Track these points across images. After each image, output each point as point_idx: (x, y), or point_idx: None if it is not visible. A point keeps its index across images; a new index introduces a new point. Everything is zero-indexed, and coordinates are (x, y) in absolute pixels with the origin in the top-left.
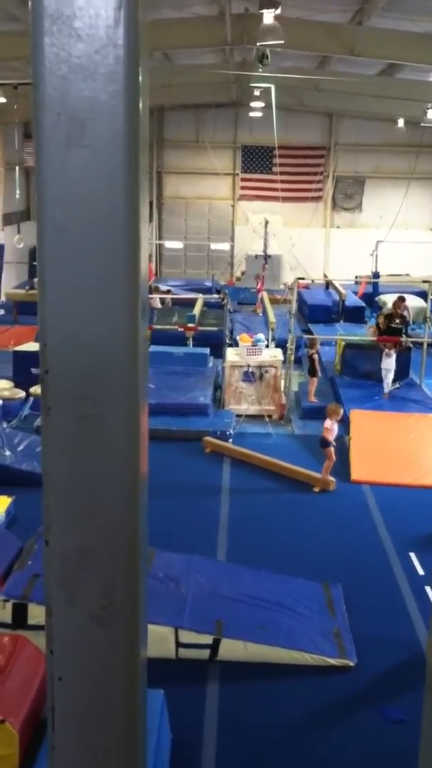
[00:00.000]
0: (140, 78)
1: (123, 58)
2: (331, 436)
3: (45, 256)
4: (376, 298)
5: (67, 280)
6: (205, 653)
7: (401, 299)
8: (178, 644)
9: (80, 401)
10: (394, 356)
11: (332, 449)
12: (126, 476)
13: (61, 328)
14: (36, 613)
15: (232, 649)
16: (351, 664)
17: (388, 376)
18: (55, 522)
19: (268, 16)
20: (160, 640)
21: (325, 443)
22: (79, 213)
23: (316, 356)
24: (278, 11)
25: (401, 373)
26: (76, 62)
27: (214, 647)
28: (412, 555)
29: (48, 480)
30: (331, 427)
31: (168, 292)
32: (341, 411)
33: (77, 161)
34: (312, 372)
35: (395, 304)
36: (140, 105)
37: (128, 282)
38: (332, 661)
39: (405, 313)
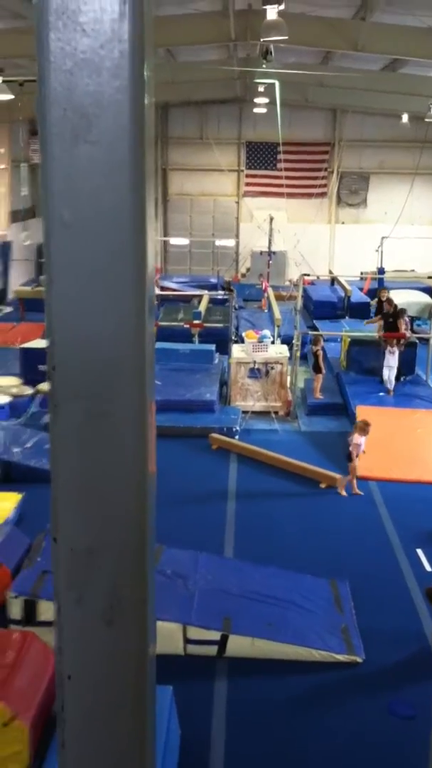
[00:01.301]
0: (146, 72)
1: (128, 53)
2: (357, 451)
3: (52, 253)
4: None
5: (74, 277)
6: (212, 649)
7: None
8: (186, 640)
9: (88, 398)
10: (397, 353)
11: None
12: (134, 474)
13: (68, 324)
14: (45, 610)
15: (240, 645)
16: (359, 660)
17: (392, 373)
18: (63, 520)
19: (272, 12)
20: (168, 636)
21: (351, 458)
22: (85, 209)
23: (320, 353)
24: (281, 7)
25: (407, 369)
26: (81, 57)
27: (222, 643)
28: (419, 551)
29: (56, 477)
30: (359, 443)
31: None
32: (369, 428)
33: (83, 157)
34: (317, 369)
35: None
36: (146, 100)
37: (135, 278)
38: (340, 657)
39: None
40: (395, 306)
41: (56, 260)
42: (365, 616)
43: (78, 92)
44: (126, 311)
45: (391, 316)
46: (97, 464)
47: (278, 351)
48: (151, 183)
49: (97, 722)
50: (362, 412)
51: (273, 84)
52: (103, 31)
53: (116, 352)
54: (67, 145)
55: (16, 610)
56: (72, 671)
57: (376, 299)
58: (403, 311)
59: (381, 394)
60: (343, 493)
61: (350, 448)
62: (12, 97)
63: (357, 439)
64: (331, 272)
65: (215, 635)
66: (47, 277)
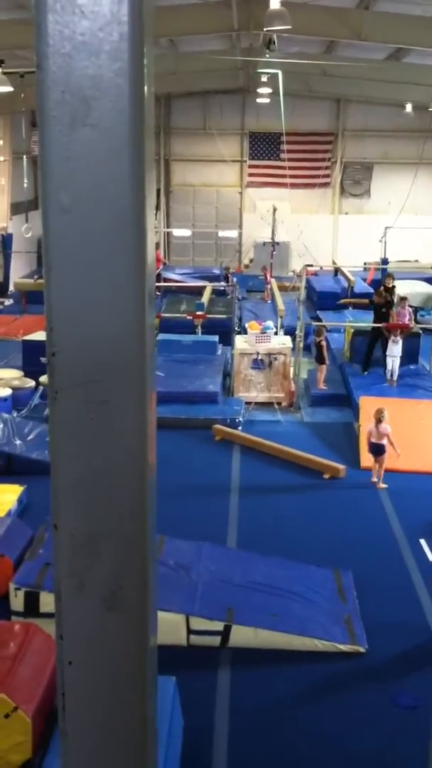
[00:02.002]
0: (145, 55)
1: (127, 35)
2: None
3: (50, 238)
4: None
5: (73, 262)
6: (216, 640)
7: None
8: (190, 631)
9: (87, 385)
10: (400, 343)
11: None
12: (134, 460)
13: (67, 311)
14: (48, 601)
15: (243, 635)
16: (362, 650)
17: (395, 363)
18: (63, 507)
19: (275, 1)
20: (171, 627)
21: (382, 450)
22: (84, 193)
23: (324, 343)
24: None
25: (409, 359)
26: (80, 40)
27: (225, 634)
28: (423, 542)
29: (55, 464)
30: (389, 432)
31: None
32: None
33: (82, 140)
34: (320, 359)
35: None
36: (145, 82)
37: (134, 262)
38: (343, 648)
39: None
40: (386, 297)
41: (55, 246)
42: (368, 606)
43: (76, 75)
44: (126, 297)
45: (384, 306)
46: (97, 451)
47: (281, 342)
48: (151, 166)
49: (98, 709)
50: (366, 402)
51: (276, 74)
52: (102, 13)
53: (116, 339)
54: (65, 128)
55: (18, 601)
56: (73, 657)
57: (382, 287)
58: (404, 300)
59: (384, 385)
60: (382, 485)
61: (380, 441)
62: (12, 89)
63: (386, 428)
64: (334, 263)
65: (218, 626)
66: (46, 263)
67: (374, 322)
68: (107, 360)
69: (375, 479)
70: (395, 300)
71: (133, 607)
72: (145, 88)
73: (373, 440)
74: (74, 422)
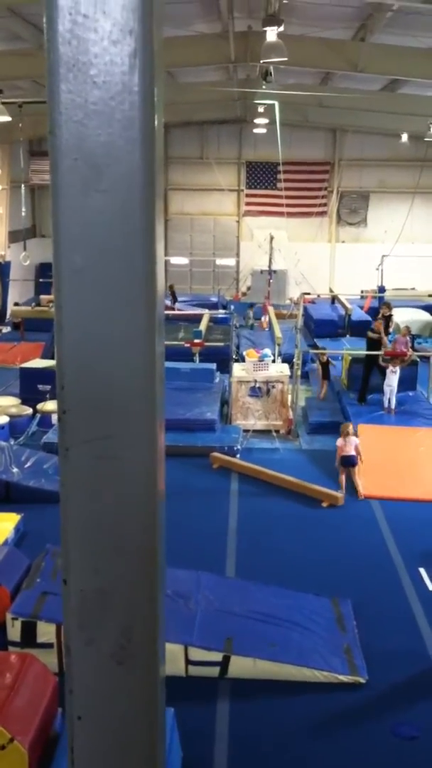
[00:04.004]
0: (156, 122)
1: (138, 104)
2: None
3: (63, 299)
4: None
5: (85, 322)
6: (214, 671)
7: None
8: (188, 662)
9: (98, 442)
10: (398, 373)
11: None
12: (144, 516)
13: (78, 369)
14: (45, 631)
15: (242, 666)
16: (362, 680)
17: (392, 392)
18: (74, 562)
19: (272, 34)
20: (169, 657)
21: (353, 461)
22: (96, 257)
23: (332, 363)
24: (281, 29)
25: (408, 386)
26: (92, 108)
27: (224, 664)
28: (422, 570)
29: (66, 520)
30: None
31: None
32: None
33: (94, 206)
34: (326, 375)
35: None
36: (155, 149)
37: (146, 323)
38: (343, 678)
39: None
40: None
41: (67, 305)
42: (368, 635)
43: (89, 142)
44: (136, 357)
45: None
46: (107, 506)
47: (279, 370)
48: (161, 228)
49: (107, 761)
50: (364, 430)
51: (273, 104)
52: (114, 83)
53: (126, 398)
54: (77, 194)
55: (15, 631)
56: (82, 712)
57: (380, 316)
58: (405, 329)
59: (383, 412)
60: (340, 494)
61: (350, 453)
62: (10, 119)
63: (354, 440)
64: (331, 291)
65: (217, 656)
66: (57, 321)
67: (367, 350)
68: (117, 416)
69: (342, 492)
70: (392, 329)
71: (143, 660)
72: (156, 153)
73: (344, 453)
74: (84, 477)
